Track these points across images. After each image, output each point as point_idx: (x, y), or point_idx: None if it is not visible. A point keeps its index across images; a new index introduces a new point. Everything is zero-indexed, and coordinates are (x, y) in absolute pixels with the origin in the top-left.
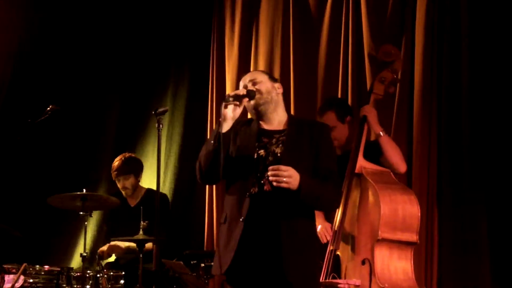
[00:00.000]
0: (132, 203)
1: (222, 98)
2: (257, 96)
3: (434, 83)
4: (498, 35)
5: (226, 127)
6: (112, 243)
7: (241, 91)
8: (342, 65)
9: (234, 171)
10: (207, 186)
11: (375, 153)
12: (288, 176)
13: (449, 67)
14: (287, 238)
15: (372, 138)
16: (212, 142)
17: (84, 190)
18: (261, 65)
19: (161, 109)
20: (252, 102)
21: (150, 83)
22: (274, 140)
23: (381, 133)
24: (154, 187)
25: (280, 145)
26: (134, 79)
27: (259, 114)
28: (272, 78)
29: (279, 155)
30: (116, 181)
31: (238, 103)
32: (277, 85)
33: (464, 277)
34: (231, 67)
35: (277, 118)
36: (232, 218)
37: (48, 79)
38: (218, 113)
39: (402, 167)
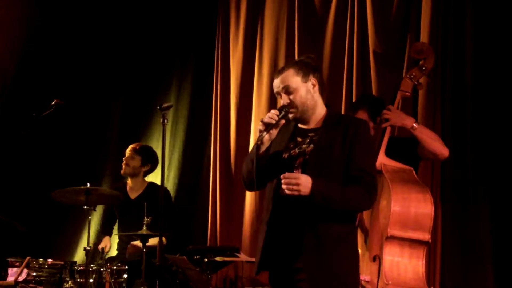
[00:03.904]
0: (133, 195)
1: (226, 93)
2: (292, 110)
3: (438, 81)
4: (503, 33)
5: (263, 149)
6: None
7: (274, 118)
8: (347, 62)
9: (267, 171)
10: (210, 181)
11: (400, 149)
12: (296, 184)
13: (454, 66)
14: (310, 242)
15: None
16: (252, 164)
17: (88, 184)
18: (266, 61)
19: (166, 104)
20: (290, 116)
21: (155, 78)
22: (307, 140)
23: (414, 125)
24: (157, 182)
25: (311, 145)
26: (139, 74)
27: (299, 121)
28: (305, 75)
29: (307, 155)
30: (124, 155)
31: (273, 130)
32: (311, 82)
33: (466, 276)
34: (236, 63)
35: (314, 117)
36: (263, 220)
37: (52, 74)
38: (222, 110)
39: (444, 152)
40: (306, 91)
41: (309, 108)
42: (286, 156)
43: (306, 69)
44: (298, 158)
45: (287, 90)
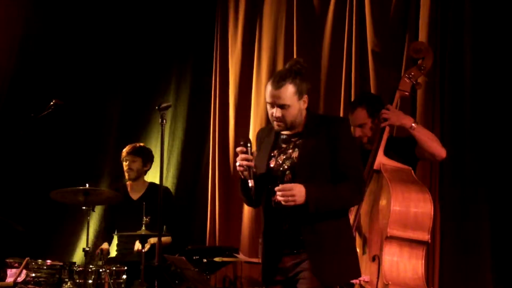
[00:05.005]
0: (135, 196)
1: (225, 92)
2: (280, 124)
3: (437, 81)
4: (502, 33)
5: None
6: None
7: (247, 164)
8: (346, 61)
9: (258, 182)
10: (209, 181)
11: (398, 149)
12: (291, 195)
13: (452, 64)
14: (309, 239)
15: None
16: (240, 189)
17: (87, 185)
18: (264, 61)
19: (164, 104)
20: (277, 128)
21: (153, 78)
22: (291, 145)
23: (413, 125)
24: (157, 182)
25: (296, 149)
26: (137, 74)
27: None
28: (301, 94)
29: (295, 160)
30: (123, 162)
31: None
32: (303, 100)
33: (465, 276)
34: (234, 62)
35: (296, 125)
36: (262, 228)
37: (51, 74)
38: (221, 110)
39: (442, 153)
40: (298, 109)
41: (296, 122)
42: (273, 164)
43: (303, 87)
44: (286, 164)
45: (282, 107)
